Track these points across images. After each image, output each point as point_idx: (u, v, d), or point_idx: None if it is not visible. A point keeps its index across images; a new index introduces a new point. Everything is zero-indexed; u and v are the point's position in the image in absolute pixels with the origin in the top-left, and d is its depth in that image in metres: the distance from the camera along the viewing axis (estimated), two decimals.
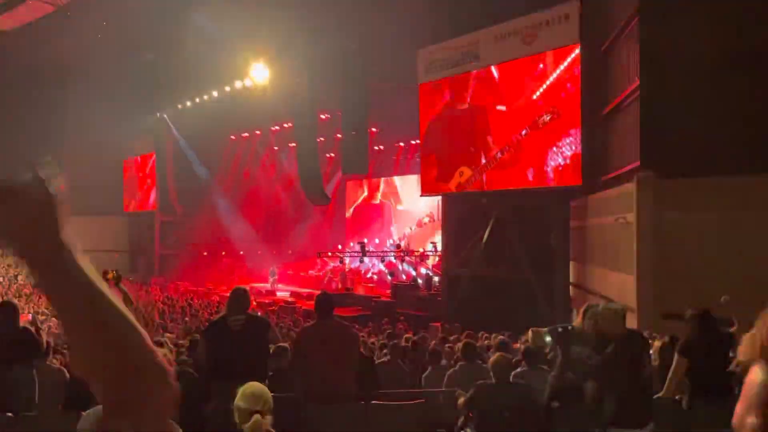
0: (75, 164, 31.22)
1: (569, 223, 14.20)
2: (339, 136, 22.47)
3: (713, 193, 8.94)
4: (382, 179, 25.74)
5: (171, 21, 22.73)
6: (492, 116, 14.88)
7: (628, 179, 10.10)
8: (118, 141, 31.06)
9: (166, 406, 0.76)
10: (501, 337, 8.42)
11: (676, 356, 4.41)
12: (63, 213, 0.75)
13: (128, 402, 0.73)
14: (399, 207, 25.03)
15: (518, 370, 5.29)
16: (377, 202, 26.13)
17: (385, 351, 6.70)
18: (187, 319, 15.24)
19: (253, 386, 2.81)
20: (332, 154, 25.10)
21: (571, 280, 14.26)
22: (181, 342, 7.53)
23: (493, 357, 4.50)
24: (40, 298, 19.74)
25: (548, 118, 13.36)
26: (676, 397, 4.43)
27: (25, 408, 3.60)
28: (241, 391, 2.77)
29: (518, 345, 7.12)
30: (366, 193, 26.68)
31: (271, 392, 4.95)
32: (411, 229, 24.21)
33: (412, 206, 23.57)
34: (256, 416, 2.64)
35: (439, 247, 18.90)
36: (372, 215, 26.14)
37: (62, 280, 0.73)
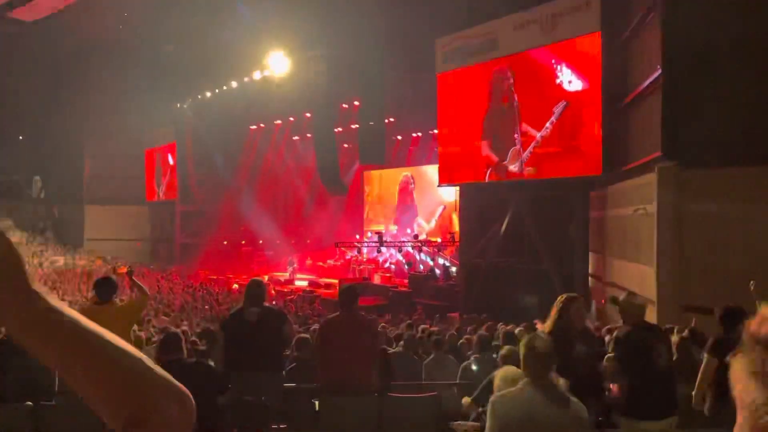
0: (98, 155, 31.83)
1: (589, 213, 14.05)
2: (356, 126, 22.46)
3: (735, 184, 8.76)
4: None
5: (190, 12, 22.85)
6: (522, 106, 14.60)
7: (648, 169, 9.95)
8: (140, 132, 31.52)
9: (176, 423, 0.72)
10: (520, 329, 8.36)
11: (705, 356, 4.24)
12: (25, 262, 0.70)
13: (133, 421, 0.70)
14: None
15: None
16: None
17: (401, 342, 6.71)
18: (207, 307, 15.43)
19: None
20: (349, 144, 25.10)
21: (590, 271, 14.14)
22: (198, 332, 7.61)
23: (503, 350, 4.47)
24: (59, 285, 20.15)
25: (564, 106, 13.19)
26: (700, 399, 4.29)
27: (45, 397, 3.68)
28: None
29: None
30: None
31: (291, 383, 5.01)
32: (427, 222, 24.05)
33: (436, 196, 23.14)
34: None
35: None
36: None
37: (45, 331, 0.69)
